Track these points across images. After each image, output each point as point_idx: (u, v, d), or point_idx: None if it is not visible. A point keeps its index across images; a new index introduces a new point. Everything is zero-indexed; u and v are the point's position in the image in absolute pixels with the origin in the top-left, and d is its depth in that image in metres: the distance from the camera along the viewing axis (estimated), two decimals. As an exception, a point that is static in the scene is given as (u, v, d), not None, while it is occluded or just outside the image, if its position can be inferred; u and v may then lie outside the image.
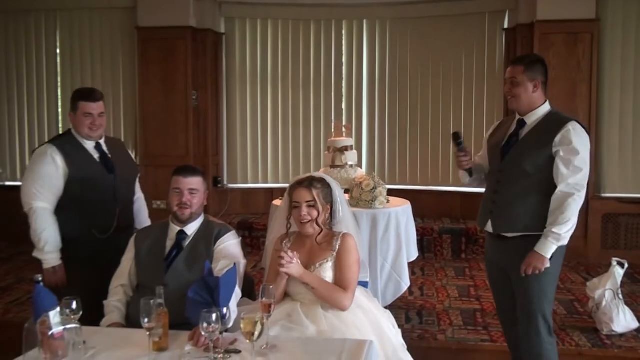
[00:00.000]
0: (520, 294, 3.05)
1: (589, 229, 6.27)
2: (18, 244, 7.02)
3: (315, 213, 2.88)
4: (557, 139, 2.93)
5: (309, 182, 2.90)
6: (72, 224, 3.40)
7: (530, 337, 3.03)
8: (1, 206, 7.33)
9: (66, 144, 3.47)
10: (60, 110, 7.45)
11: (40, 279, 2.24)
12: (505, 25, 6.84)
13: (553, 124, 3.00)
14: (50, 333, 2.11)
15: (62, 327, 2.13)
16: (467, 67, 6.99)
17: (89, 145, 3.50)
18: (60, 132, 7.33)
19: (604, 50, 6.28)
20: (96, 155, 3.49)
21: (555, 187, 2.92)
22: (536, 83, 3.03)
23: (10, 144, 7.59)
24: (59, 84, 7.45)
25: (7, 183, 7.56)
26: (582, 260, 6.20)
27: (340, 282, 2.83)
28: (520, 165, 2.99)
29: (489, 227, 3.11)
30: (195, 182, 3.03)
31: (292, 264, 2.76)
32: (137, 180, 3.79)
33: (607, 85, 6.31)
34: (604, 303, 4.18)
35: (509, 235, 3.05)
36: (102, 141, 3.55)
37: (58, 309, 2.18)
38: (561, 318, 4.51)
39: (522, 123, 3.08)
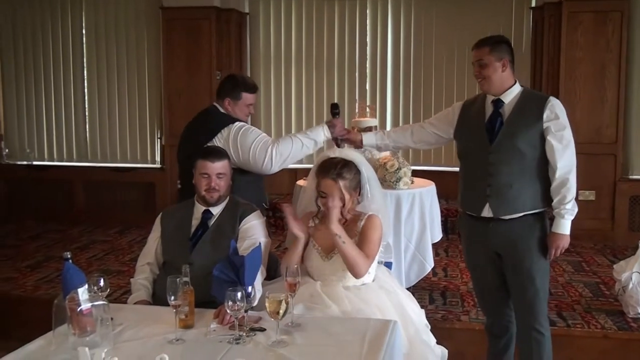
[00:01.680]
0: (518, 276, 3.01)
1: (616, 211, 6.18)
2: (46, 222, 7.15)
3: (341, 203, 2.87)
4: (545, 114, 2.91)
5: (337, 173, 2.86)
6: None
7: (529, 321, 3.04)
8: (29, 185, 7.47)
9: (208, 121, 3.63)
10: (86, 90, 7.51)
11: (69, 256, 2.27)
12: (533, 4, 6.72)
13: (535, 100, 2.98)
14: (78, 309, 2.15)
15: (90, 304, 2.17)
16: (494, 47, 6.88)
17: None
18: (86, 112, 7.51)
19: (634, 29, 6.14)
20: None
21: (547, 162, 2.92)
22: (504, 62, 2.98)
23: (37, 124, 7.69)
24: (85, 64, 7.50)
25: (35, 162, 7.66)
26: (609, 242, 6.12)
27: None
28: (515, 145, 2.93)
29: (486, 212, 3.02)
30: (222, 166, 3.05)
31: (337, 207, 2.76)
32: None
33: (636, 65, 6.17)
34: (630, 286, 4.13)
35: (507, 217, 3.00)
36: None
37: (86, 285, 2.22)
38: (587, 300, 4.47)
39: (499, 103, 3.02)
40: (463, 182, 3.20)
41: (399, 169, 4.38)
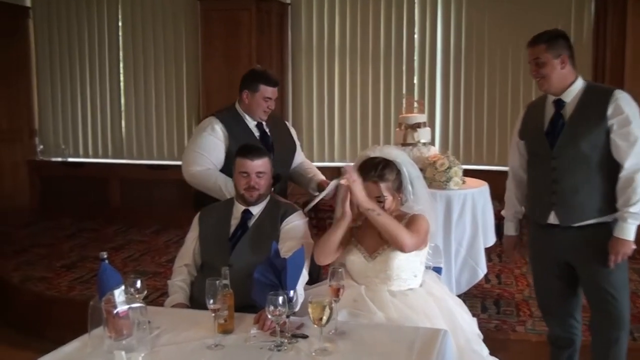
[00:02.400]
0: (594, 285, 2.96)
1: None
2: (82, 221, 7.30)
3: (383, 205, 2.85)
4: (610, 111, 2.82)
5: (379, 175, 2.84)
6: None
7: (606, 330, 2.98)
8: (64, 182, 7.64)
9: (229, 117, 3.71)
10: (122, 85, 7.64)
11: (106, 256, 2.30)
12: (595, -11, 6.57)
13: (598, 96, 2.89)
14: (115, 312, 2.18)
15: (127, 306, 2.19)
16: (552, 37, 6.74)
17: (251, 123, 3.72)
18: (122, 107, 7.64)
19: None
20: (257, 134, 3.70)
21: (616, 163, 2.83)
22: (563, 58, 2.91)
23: (73, 120, 7.86)
24: (121, 59, 7.64)
25: (70, 159, 7.83)
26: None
27: None
28: (577, 148, 2.86)
29: (552, 220, 2.97)
30: (262, 164, 3.05)
31: (358, 182, 2.73)
32: (298, 150, 4.01)
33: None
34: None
35: (577, 225, 2.93)
36: (264, 120, 3.76)
37: (123, 287, 2.25)
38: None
39: (560, 103, 2.95)
40: (528, 188, 3.17)
41: (450, 168, 4.34)
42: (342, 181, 2.72)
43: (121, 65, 7.64)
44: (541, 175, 3.03)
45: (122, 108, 7.68)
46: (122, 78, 7.64)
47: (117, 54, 7.63)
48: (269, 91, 3.68)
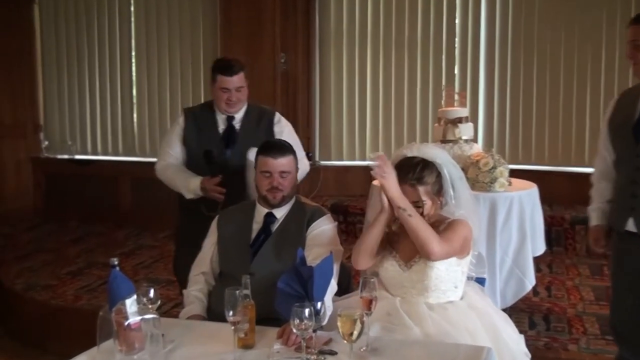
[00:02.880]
0: None
1: None
2: (89, 224, 7.37)
3: (421, 210, 2.84)
4: None
5: (417, 178, 2.82)
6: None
7: None
8: (71, 182, 7.73)
9: (197, 110, 3.94)
10: (134, 76, 7.71)
11: (117, 262, 2.32)
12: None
13: None
14: (126, 323, 2.19)
15: (139, 317, 2.21)
16: (609, 24, 6.67)
17: (221, 116, 3.83)
18: (134, 101, 7.71)
19: None
20: (222, 128, 3.82)
21: None
22: None
23: (81, 115, 7.95)
24: (133, 47, 7.71)
25: (77, 157, 7.92)
26: None
27: None
28: None
29: (630, 226, 2.94)
30: (286, 163, 3.06)
31: (391, 174, 2.72)
32: None
33: None
34: None
35: None
36: (239, 114, 3.84)
37: (135, 296, 2.26)
38: None
39: None
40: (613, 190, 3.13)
41: (494, 168, 4.32)
42: (375, 182, 2.70)
43: (133, 54, 7.70)
44: (623, 175, 2.98)
45: (134, 101, 7.74)
46: (134, 68, 7.70)
47: (129, 42, 7.69)
48: (225, 81, 3.71)
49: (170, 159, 3.88)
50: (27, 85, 7.90)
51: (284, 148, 3.13)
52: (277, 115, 3.96)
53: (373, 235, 2.84)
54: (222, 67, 3.76)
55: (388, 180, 2.71)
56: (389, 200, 2.77)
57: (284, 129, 3.91)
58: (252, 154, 3.40)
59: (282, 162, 3.05)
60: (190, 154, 3.85)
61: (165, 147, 3.93)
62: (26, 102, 7.91)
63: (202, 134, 3.83)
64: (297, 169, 3.15)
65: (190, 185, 3.73)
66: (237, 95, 3.75)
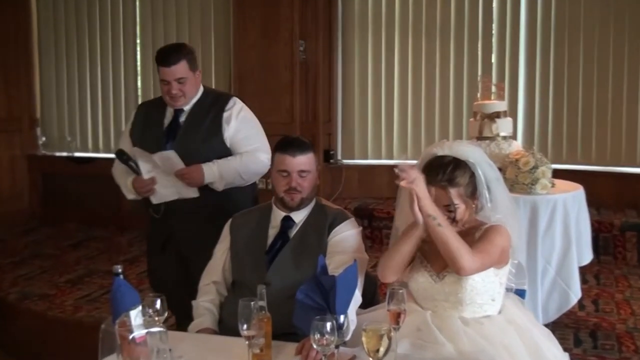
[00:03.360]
0: None
1: None
2: (90, 227, 7.42)
3: (453, 215, 2.83)
4: None
5: (448, 179, 2.81)
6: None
7: None
8: (70, 181, 7.78)
9: (151, 102, 3.98)
10: (139, 67, 7.76)
11: (120, 270, 2.33)
12: None
13: None
14: (130, 337, 2.20)
15: (144, 330, 2.22)
16: (666, 6, 6.63)
17: (169, 111, 3.81)
18: (139, 94, 7.76)
19: None
20: (167, 122, 3.80)
21: None
22: None
23: (81, 108, 8.01)
24: (138, 34, 7.76)
25: (77, 154, 7.97)
26: None
27: None
28: None
29: None
30: (306, 162, 3.06)
31: (419, 179, 2.68)
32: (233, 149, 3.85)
33: None
34: None
35: None
36: (188, 107, 3.78)
37: (140, 307, 2.27)
38: None
39: None
40: None
41: (536, 167, 4.31)
42: (402, 183, 2.68)
43: (138, 41, 7.76)
44: None
45: (139, 93, 7.80)
46: (139, 60, 7.76)
47: (134, 28, 7.76)
48: (163, 72, 3.65)
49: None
50: (22, 74, 7.95)
51: (304, 144, 3.12)
52: (232, 101, 3.85)
53: (404, 252, 2.84)
54: (159, 56, 3.67)
55: (417, 186, 2.69)
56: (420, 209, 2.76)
57: (232, 116, 3.79)
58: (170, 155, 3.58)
59: (301, 161, 3.05)
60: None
61: (119, 145, 3.99)
62: (21, 93, 7.97)
63: (146, 130, 3.82)
64: (317, 168, 3.15)
65: (128, 185, 3.78)
66: (178, 87, 3.66)
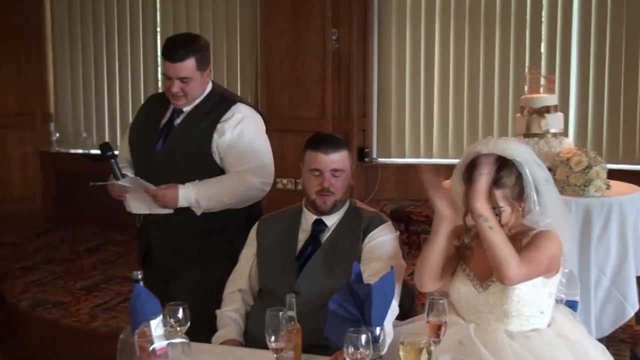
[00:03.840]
0: None
1: None
2: (107, 230, 7.47)
3: (498, 219, 2.81)
4: None
5: (493, 179, 2.78)
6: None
7: None
8: (86, 180, 7.81)
9: (159, 96, 3.89)
10: (159, 60, 7.79)
11: (140, 276, 2.35)
12: None
13: None
14: (151, 348, 2.22)
15: (166, 341, 2.24)
16: None
17: (170, 108, 3.67)
18: (159, 87, 7.80)
19: None
20: (164, 121, 3.66)
21: None
22: None
23: (97, 102, 8.07)
24: (159, 26, 7.83)
25: (92, 151, 8.03)
26: None
27: None
28: None
29: None
30: (339, 160, 3.06)
31: (487, 175, 2.70)
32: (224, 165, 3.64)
33: None
34: None
35: None
36: (188, 108, 3.61)
37: (161, 317, 2.30)
38: None
39: None
40: None
41: (589, 167, 4.30)
42: (445, 184, 2.69)
43: (158, 30, 7.81)
44: None
45: (159, 85, 7.84)
46: (159, 48, 7.79)
47: (154, 17, 7.83)
48: (167, 67, 3.49)
49: (123, 152, 3.84)
50: (35, 66, 8.01)
51: (337, 141, 3.13)
52: (233, 109, 3.59)
53: (435, 251, 2.84)
54: (166, 47, 3.51)
55: (483, 181, 2.70)
56: (450, 204, 2.77)
57: (228, 128, 3.54)
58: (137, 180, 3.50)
59: (334, 159, 3.05)
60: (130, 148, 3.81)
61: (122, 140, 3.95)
62: (34, 86, 8.03)
63: (144, 127, 3.73)
64: (352, 167, 3.15)
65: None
66: (181, 86, 3.49)
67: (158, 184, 3.47)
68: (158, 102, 3.75)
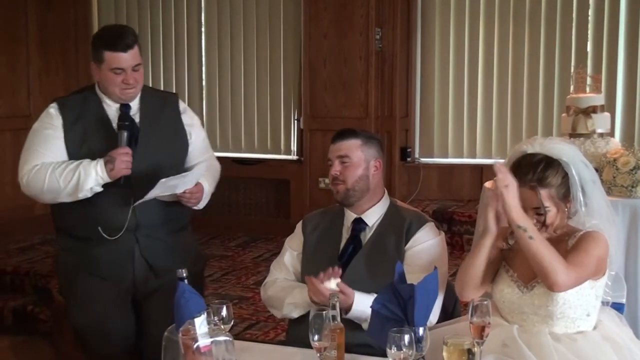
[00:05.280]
0: None
1: None
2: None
3: (543, 219, 2.80)
4: None
5: (538, 178, 2.77)
6: (74, 218, 3.47)
7: None
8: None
9: (76, 99, 3.56)
10: (204, 60, 7.87)
11: (185, 274, 2.36)
12: None
13: None
14: (195, 346, 2.24)
15: (210, 339, 2.25)
16: None
17: (111, 107, 3.50)
18: (204, 87, 7.85)
19: None
20: (115, 121, 3.46)
21: None
22: None
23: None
24: (203, 26, 7.88)
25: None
26: None
27: None
28: None
29: None
30: (344, 147, 3.08)
31: (513, 185, 2.68)
32: (193, 147, 3.69)
33: None
34: None
35: None
36: (134, 102, 3.54)
37: (205, 315, 2.31)
38: None
39: None
40: None
41: (637, 168, 4.24)
42: (488, 184, 2.68)
43: (203, 30, 7.86)
44: None
45: (204, 88, 7.90)
46: (204, 47, 7.86)
47: (199, 17, 7.87)
48: (117, 59, 3.34)
49: (44, 158, 3.40)
50: (82, 65, 8.08)
51: (349, 131, 3.15)
52: (181, 102, 3.71)
53: (477, 264, 2.83)
54: (111, 39, 3.37)
55: (509, 194, 2.69)
56: (499, 218, 2.76)
57: (194, 122, 3.68)
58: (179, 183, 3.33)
59: (340, 146, 3.08)
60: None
61: (33, 148, 3.45)
62: (81, 85, 8.04)
63: (89, 134, 3.46)
64: (365, 159, 3.09)
65: (90, 171, 3.31)
66: (134, 76, 3.41)
67: (141, 180, 3.35)
68: (82, 107, 3.50)
